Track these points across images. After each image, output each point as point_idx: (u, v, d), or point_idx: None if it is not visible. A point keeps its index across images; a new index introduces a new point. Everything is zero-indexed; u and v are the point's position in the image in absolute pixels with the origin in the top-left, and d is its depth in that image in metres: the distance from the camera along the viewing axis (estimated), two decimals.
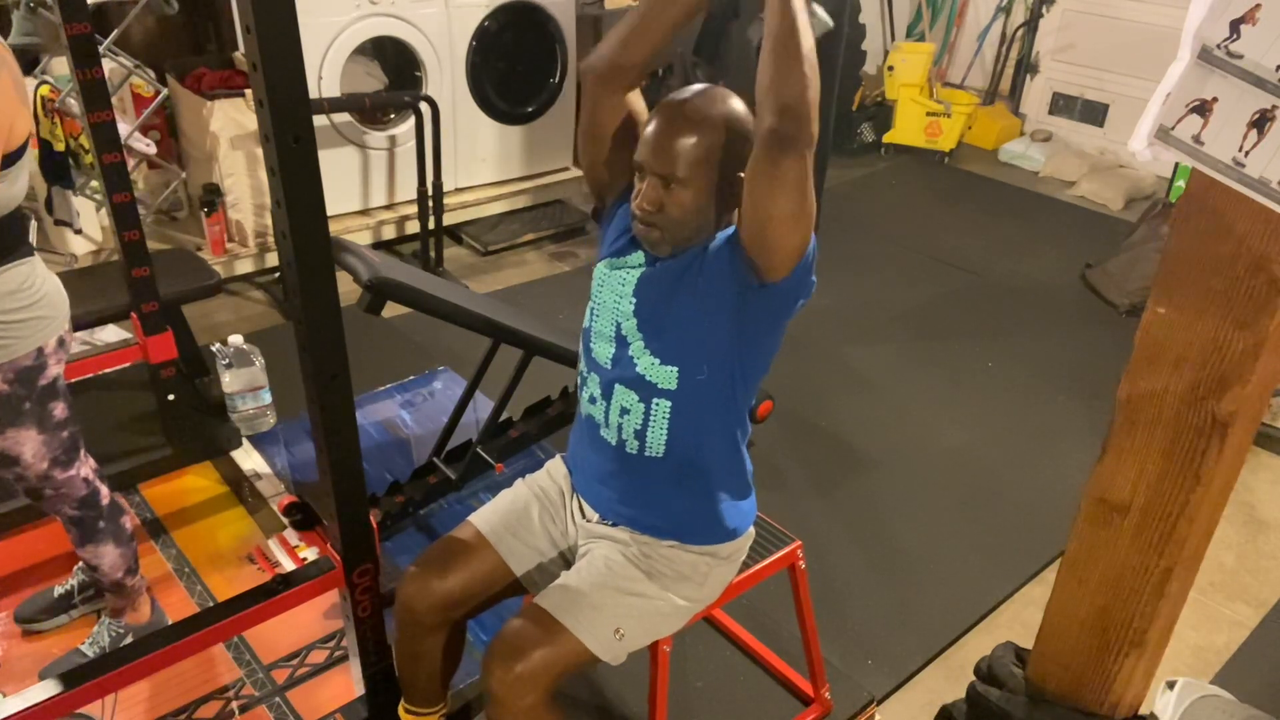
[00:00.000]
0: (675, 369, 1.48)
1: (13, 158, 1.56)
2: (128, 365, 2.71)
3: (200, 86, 3.52)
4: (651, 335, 1.49)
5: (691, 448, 1.52)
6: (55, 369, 1.76)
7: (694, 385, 1.48)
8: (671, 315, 1.47)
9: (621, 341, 1.52)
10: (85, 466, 1.90)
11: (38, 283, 1.70)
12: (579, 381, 1.63)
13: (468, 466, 2.49)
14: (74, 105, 2.92)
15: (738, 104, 1.45)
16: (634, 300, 1.50)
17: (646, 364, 1.49)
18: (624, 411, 1.52)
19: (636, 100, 1.56)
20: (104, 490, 1.96)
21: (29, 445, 1.76)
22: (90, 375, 2.55)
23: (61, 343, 1.77)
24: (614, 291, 1.53)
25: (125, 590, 2.06)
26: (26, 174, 1.64)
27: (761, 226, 1.35)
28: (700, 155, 1.40)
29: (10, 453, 1.76)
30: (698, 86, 1.47)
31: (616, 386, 1.52)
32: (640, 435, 1.52)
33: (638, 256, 1.53)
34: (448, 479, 2.48)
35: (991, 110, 5.57)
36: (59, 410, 1.79)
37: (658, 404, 1.49)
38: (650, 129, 1.43)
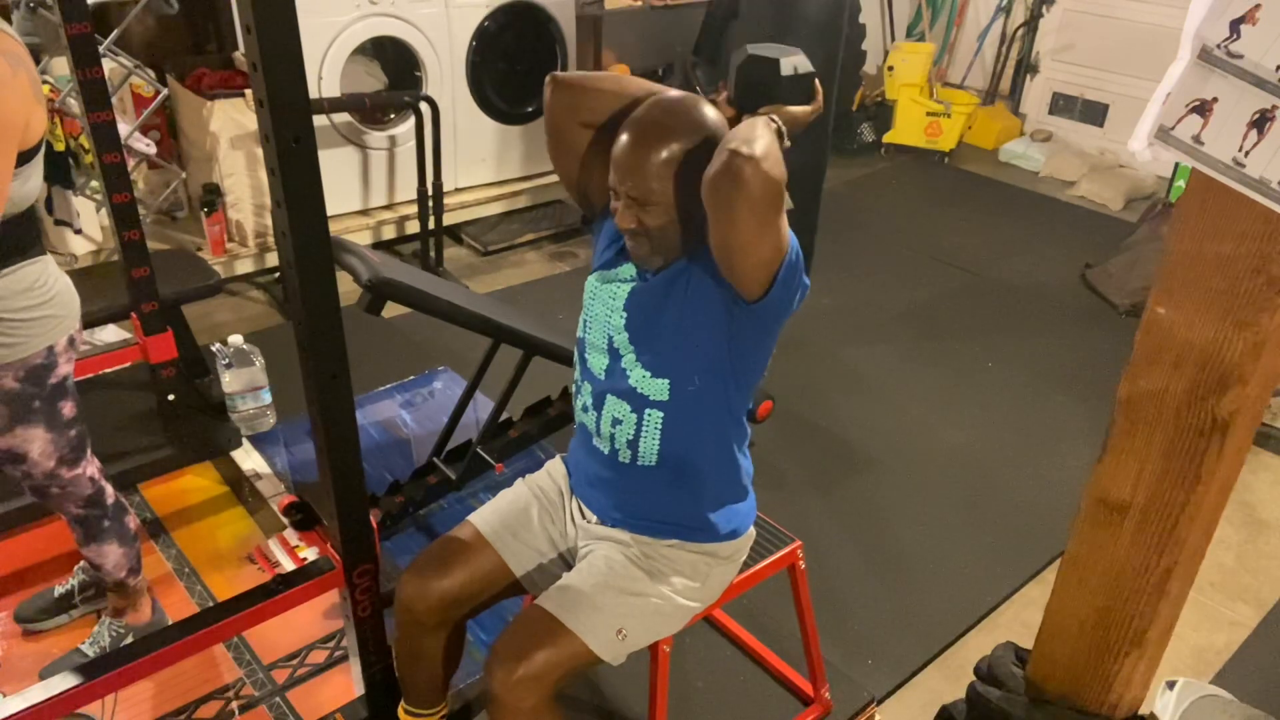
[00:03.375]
0: (667, 381, 1.47)
1: (27, 156, 1.56)
2: (128, 365, 2.72)
3: (200, 86, 3.52)
4: (643, 349, 1.48)
5: (684, 456, 1.52)
6: (65, 368, 1.77)
7: (686, 396, 1.48)
8: (662, 329, 1.47)
9: (614, 354, 1.52)
10: (91, 465, 1.91)
11: (50, 282, 1.71)
12: (574, 389, 1.63)
13: (468, 466, 2.49)
14: (74, 105, 2.92)
15: (707, 110, 1.43)
16: (625, 314, 1.50)
17: (638, 376, 1.49)
18: (616, 422, 1.52)
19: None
20: (109, 489, 1.96)
21: (37, 443, 1.77)
22: (90, 375, 2.55)
23: (72, 342, 1.77)
24: (605, 305, 1.53)
25: (127, 590, 2.06)
26: (40, 173, 1.64)
27: (723, 254, 1.34)
28: (671, 171, 1.38)
29: (18, 450, 1.76)
30: (664, 99, 1.44)
31: (608, 397, 1.52)
32: (632, 445, 1.52)
33: (628, 269, 1.53)
34: (448, 479, 2.48)
35: (991, 110, 5.58)
36: (67, 409, 1.80)
37: (649, 415, 1.49)
38: (619, 150, 1.41)
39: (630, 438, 1.51)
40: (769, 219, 1.29)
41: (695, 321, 1.44)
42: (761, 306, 1.39)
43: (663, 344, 1.47)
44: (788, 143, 1.38)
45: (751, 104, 1.44)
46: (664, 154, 1.38)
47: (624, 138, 1.41)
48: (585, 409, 1.57)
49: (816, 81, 1.45)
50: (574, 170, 1.57)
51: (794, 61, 1.44)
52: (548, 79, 1.51)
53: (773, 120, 1.37)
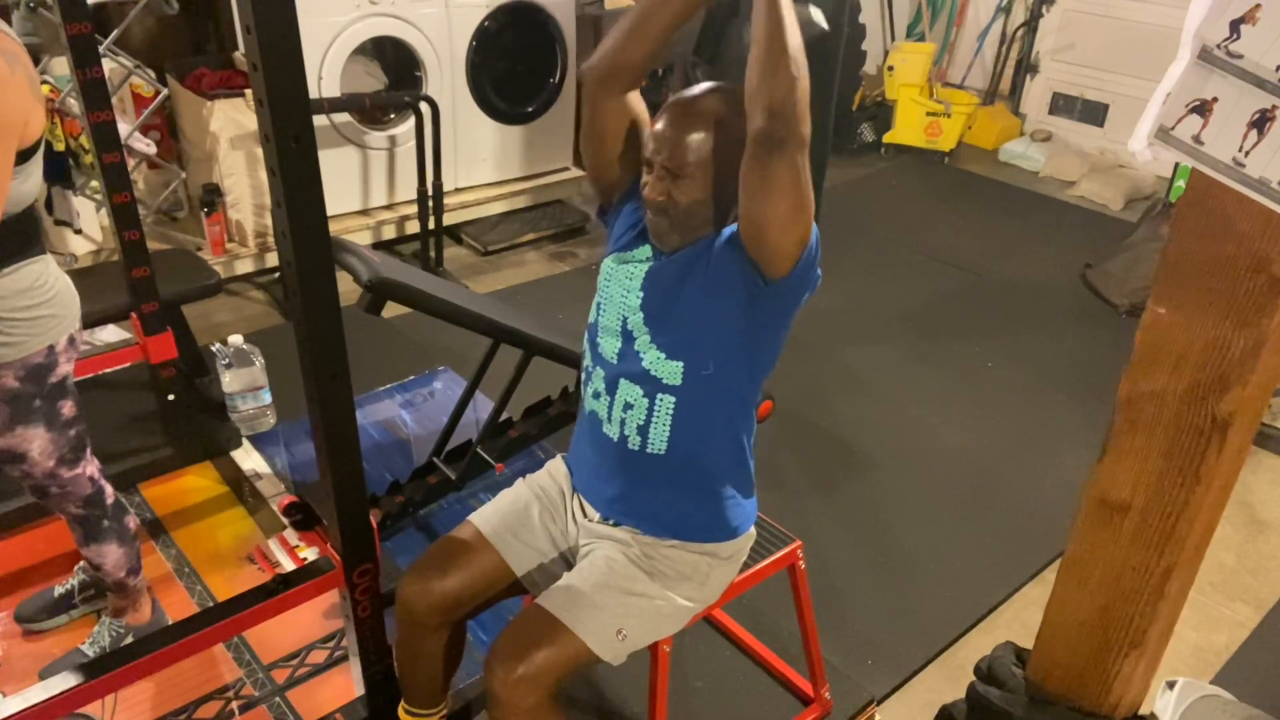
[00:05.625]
0: (681, 364, 1.47)
1: (26, 155, 1.56)
2: (128, 365, 2.72)
3: (200, 86, 3.52)
4: (658, 329, 1.49)
5: (694, 445, 1.52)
6: (65, 367, 1.77)
7: (699, 381, 1.48)
8: (679, 309, 1.47)
9: (628, 336, 1.52)
10: (91, 465, 1.91)
11: (50, 281, 1.71)
12: (583, 377, 1.63)
13: (468, 466, 2.49)
14: (74, 105, 2.92)
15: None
16: (641, 294, 1.50)
17: (653, 358, 1.49)
18: (627, 407, 1.52)
19: (637, 101, 1.56)
20: (109, 489, 1.96)
21: (37, 443, 1.77)
22: (90, 375, 2.55)
23: (72, 341, 1.77)
24: (621, 285, 1.53)
25: (127, 590, 2.06)
26: (39, 172, 1.64)
27: (757, 228, 1.36)
28: (707, 150, 1.41)
29: (18, 450, 1.76)
30: (706, 84, 1.47)
31: (621, 381, 1.52)
32: (643, 431, 1.52)
33: (645, 250, 1.53)
34: (448, 479, 2.48)
35: (991, 110, 5.58)
36: (67, 409, 1.79)
37: (661, 399, 1.49)
38: (659, 125, 1.44)
39: (641, 423, 1.51)
40: (798, 188, 1.31)
41: (713, 302, 1.45)
42: (783, 285, 1.40)
43: (679, 324, 1.47)
44: None
45: None
46: (702, 131, 1.41)
47: (667, 114, 1.44)
48: (596, 395, 1.57)
49: None
50: (606, 154, 1.57)
51: None
52: (582, 72, 1.53)
53: None
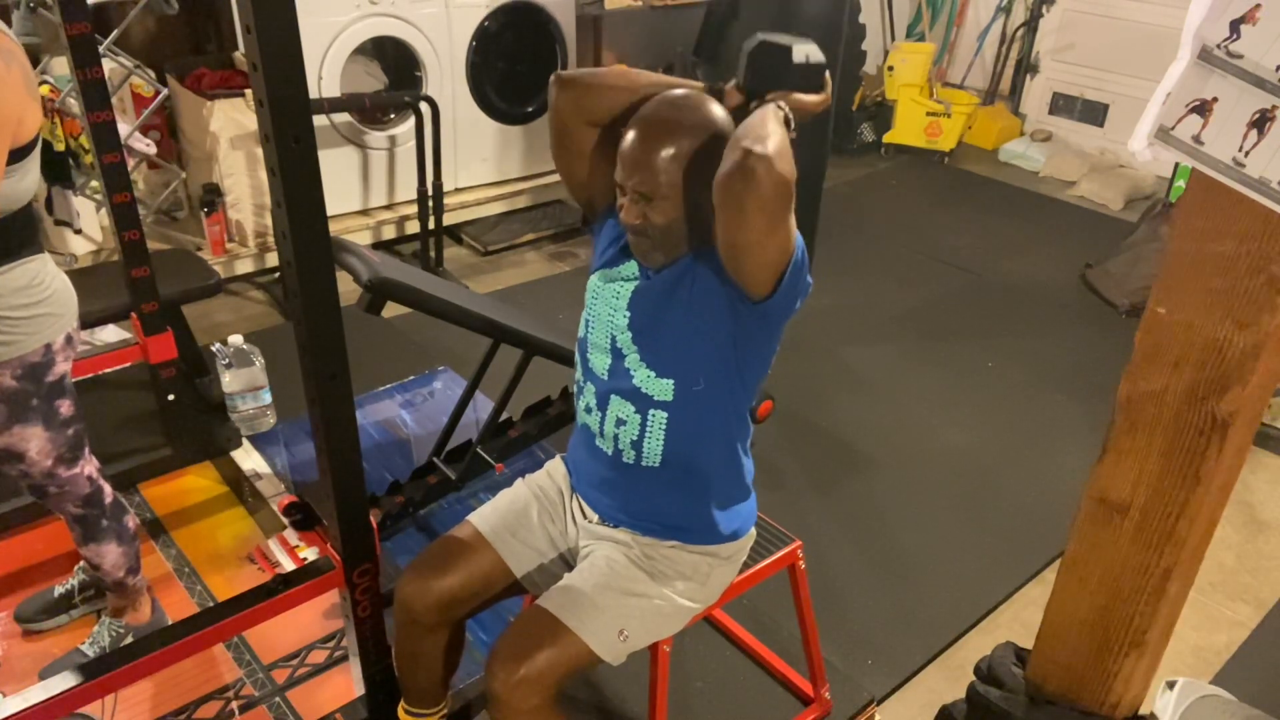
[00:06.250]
0: (671, 381, 1.47)
1: (21, 153, 1.56)
2: (128, 365, 2.72)
3: (200, 86, 3.52)
4: (647, 348, 1.48)
5: (689, 456, 1.52)
6: (63, 366, 1.77)
7: (691, 396, 1.47)
8: (666, 329, 1.46)
9: (617, 354, 1.51)
10: (89, 465, 1.91)
11: (47, 279, 1.71)
12: (575, 390, 1.62)
13: (468, 466, 2.49)
14: (74, 105, 2.92)
15: (715, 107, 1.43)
16: (628, 314, 1.50)
17: (643, 377, 1.48)
18: (620, 422, 1.52)
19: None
20: (107, 489, 1.96)
21: (34, 442, 1.77)
22: (90, 375, 2.55)
23: (69, 340, 1.77)
24: (608, 304, 1.53)
25: (127, 590, 2.06)
26: (36, 170, 1.64)
27: (730, 253, 1.34)
28: (679, 169, 1.38)
29: (15, 449, 1.76)
30: (672, 95, 1.43)
31: (613, 397, 1.52)
32: (636, 446, 1.51)
33: (630, 267, 1.52)
34: (448, 479, 2.48)
35: (991, 110, 5.58)
36: (65, 408, 1.79)
37: (654, 415, 1.49)
38: (626, 145, 1.40)
39: (634, 438, 1.51)
40: (779, 218, 1.29)
41: (700, 321, 1.44)
42: (767, 306, 1.39)
43: (667, 343, 1.47)
44: (793, 133, 1.37)
45: (761, 89, 1.43)
46: (672, 150, 1.38)
47: (632, 133, 1.40)
48: (589, 410, 1.57)
49: (827, 73, 1.45)
50: (580, 171, 1.55)
51: (806, 50, 1.43)
52: (553, 78, 1.49)
53: (781, 108, 1.36)
